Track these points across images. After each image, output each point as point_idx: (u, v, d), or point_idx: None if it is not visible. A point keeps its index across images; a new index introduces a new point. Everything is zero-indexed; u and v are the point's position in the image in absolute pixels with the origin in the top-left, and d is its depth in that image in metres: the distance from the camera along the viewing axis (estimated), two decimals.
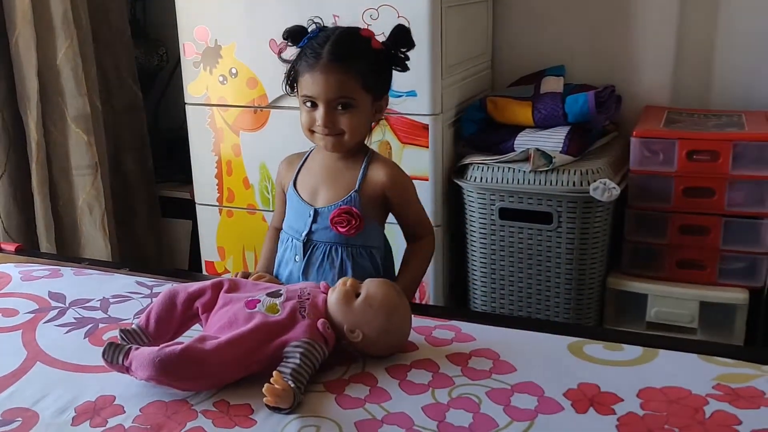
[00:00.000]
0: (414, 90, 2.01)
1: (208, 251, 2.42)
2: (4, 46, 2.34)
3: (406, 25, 1.95)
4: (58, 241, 2.48)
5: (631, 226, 2.09)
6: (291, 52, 1.56)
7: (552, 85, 2.21)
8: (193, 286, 1.33)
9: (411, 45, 1.55)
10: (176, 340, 1.26)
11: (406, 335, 1.33)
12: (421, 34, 1.96)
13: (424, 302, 2.17)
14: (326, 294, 1.31)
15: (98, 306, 1.52)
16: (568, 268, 2.04)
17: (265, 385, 1.14)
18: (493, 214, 2.08)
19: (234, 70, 2.20)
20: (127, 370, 1.20)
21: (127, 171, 2.73)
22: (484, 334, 1.37)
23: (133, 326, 1.29)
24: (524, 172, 2.01)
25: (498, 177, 2.04)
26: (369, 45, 1.50)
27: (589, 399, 1.15)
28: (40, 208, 2.40)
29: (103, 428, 1.12)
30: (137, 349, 1.20)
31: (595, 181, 1.95)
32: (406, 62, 1.56)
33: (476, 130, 2.16)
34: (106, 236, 2.49)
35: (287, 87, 1.58)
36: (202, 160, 2.34)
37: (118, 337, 1.27)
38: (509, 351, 1.30)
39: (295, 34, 1.54)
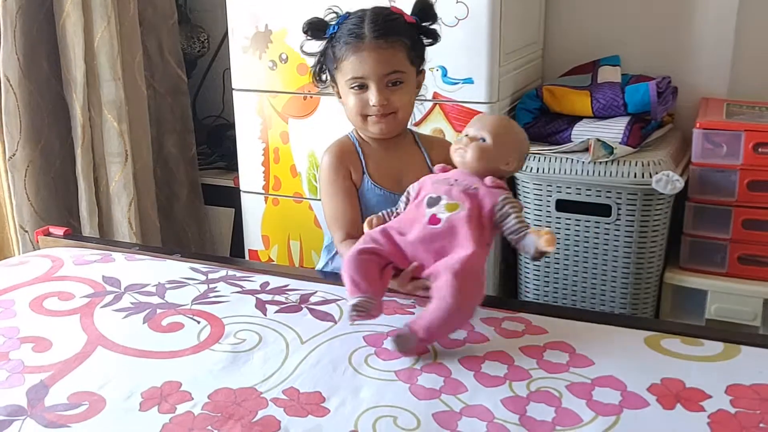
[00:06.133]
0: (471, 77, 1.97)
1: (252, 239, 2.39)
2: (50, 28, 2.30)
3: (465, 10, 1.93)
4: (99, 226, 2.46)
5: (691, 219, 2.03)
6: (312, 45, 1.55)
7: (609, 74, 2.16)
8: (366, 246, 1.29)
9: (435, 18, 1.54)
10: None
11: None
12: (480, 19, 1.92)
13: None
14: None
15: (154, 291, 1.49)
16: (626, 262, 1.99)
17: (541, 242, 1.19)
18: (549, 206, 2.03)
19: (284, 56, 2.16)
20: (422, 341, 1.21)
21: (168, 156, 2.70)
22: (555, 327, 1.32)
23: (355, 300, 1.23)
24: (583, 162, 1.95)
25: (555, 167, 1.99)
26: (403, 19, 1.49)
27: (675, 395, 1.11)
28: (85, 193, 2.35)
29: (173, 414, 1.09)
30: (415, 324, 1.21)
31: (657, 173, 1.89)
32: (437, 33, 1.55)
33: (531, 119, 2.11)
34: (156, 220, 2.46)
35: (317, 79, 1.57)
36: (248, 147, 2.30)
37: (353, 314, 1.22)
38: (584, 344, 1.25)
39: (316, 26, 1.53)
